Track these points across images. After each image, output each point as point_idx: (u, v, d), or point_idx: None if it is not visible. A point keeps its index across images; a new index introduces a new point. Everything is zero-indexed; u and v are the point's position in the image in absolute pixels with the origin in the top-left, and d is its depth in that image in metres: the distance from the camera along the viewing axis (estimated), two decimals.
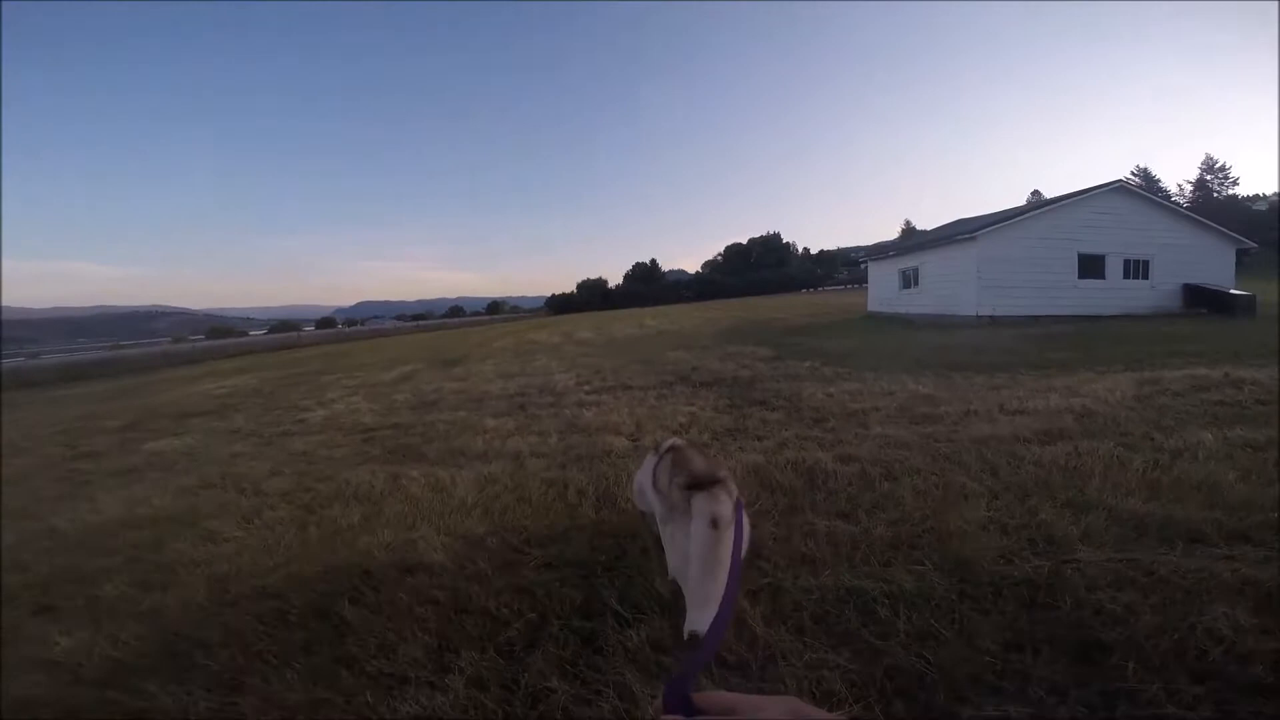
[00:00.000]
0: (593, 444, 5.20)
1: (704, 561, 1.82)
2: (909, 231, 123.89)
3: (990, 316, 15.15)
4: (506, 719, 2.01)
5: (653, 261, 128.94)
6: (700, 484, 2.00)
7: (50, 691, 2.43)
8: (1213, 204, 70.10)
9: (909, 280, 19.53)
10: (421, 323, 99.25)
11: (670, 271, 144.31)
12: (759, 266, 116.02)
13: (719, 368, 9.23)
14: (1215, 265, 16.46)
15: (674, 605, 2.46)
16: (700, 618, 1.77)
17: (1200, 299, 15.82)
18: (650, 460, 2.75)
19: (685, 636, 1.87)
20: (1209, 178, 77.35)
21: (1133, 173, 77.99)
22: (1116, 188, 16.17)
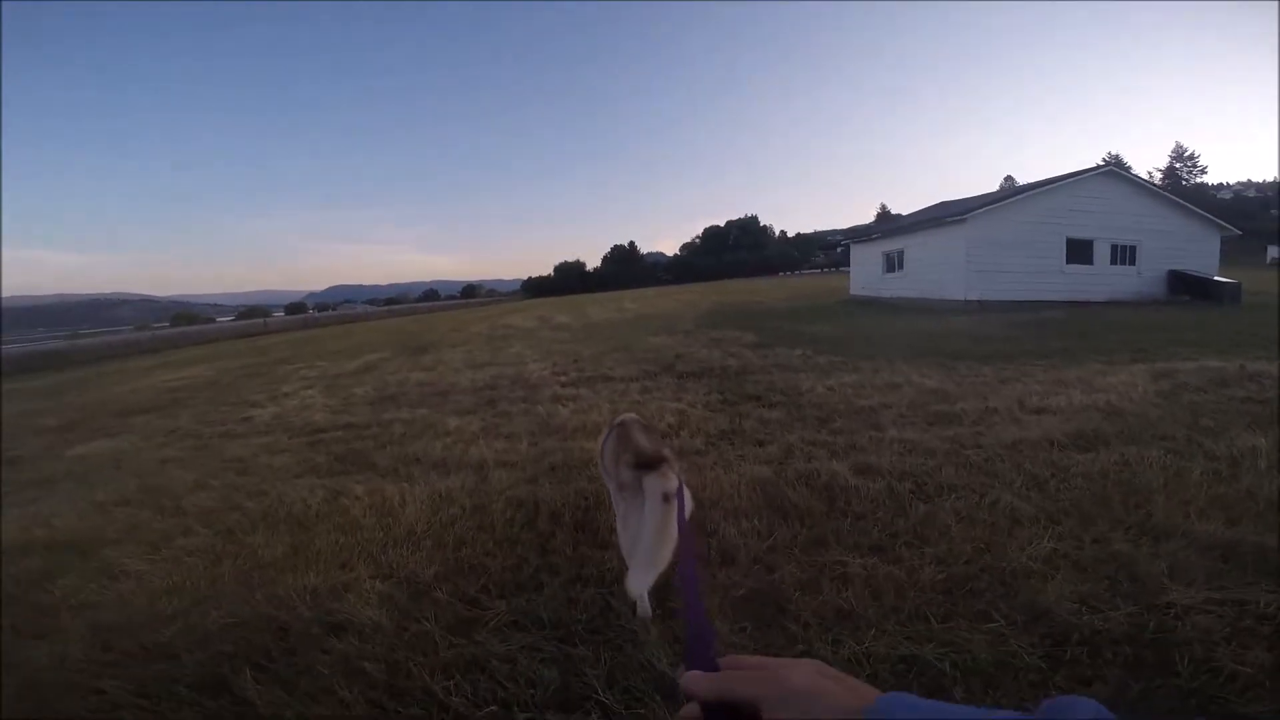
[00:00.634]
0: (569, 451, 4.53)
1: (658, 534, 1.90)
2: (885, 215, 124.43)
3: (979, 301, 14.79)
4: None
5: (631, 244, 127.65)
6: (649, 464, 2.08)
7: None
8: (1181, 192, 71.33)
9: (893, 264, 19.11)
10: (394, 307, 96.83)
11: (649, 253, 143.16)
12: (737, 249, 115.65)
13: (705, 355, 8.62)
14: (1200, 252, 16.35)
15: (675, 691, 1.85)
16: (640, 580, 1.85)
17: (1185, 286, 15.68)
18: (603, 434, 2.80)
19: (630, 601, 2.12)
20: (1179, 166, 78.64)
21: (1105, 159, 78.89)
22: (1106, 171, 15.91)
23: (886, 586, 2.40)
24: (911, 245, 17.90)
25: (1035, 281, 15.25)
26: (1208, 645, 1.97)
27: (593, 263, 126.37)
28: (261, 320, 62.22)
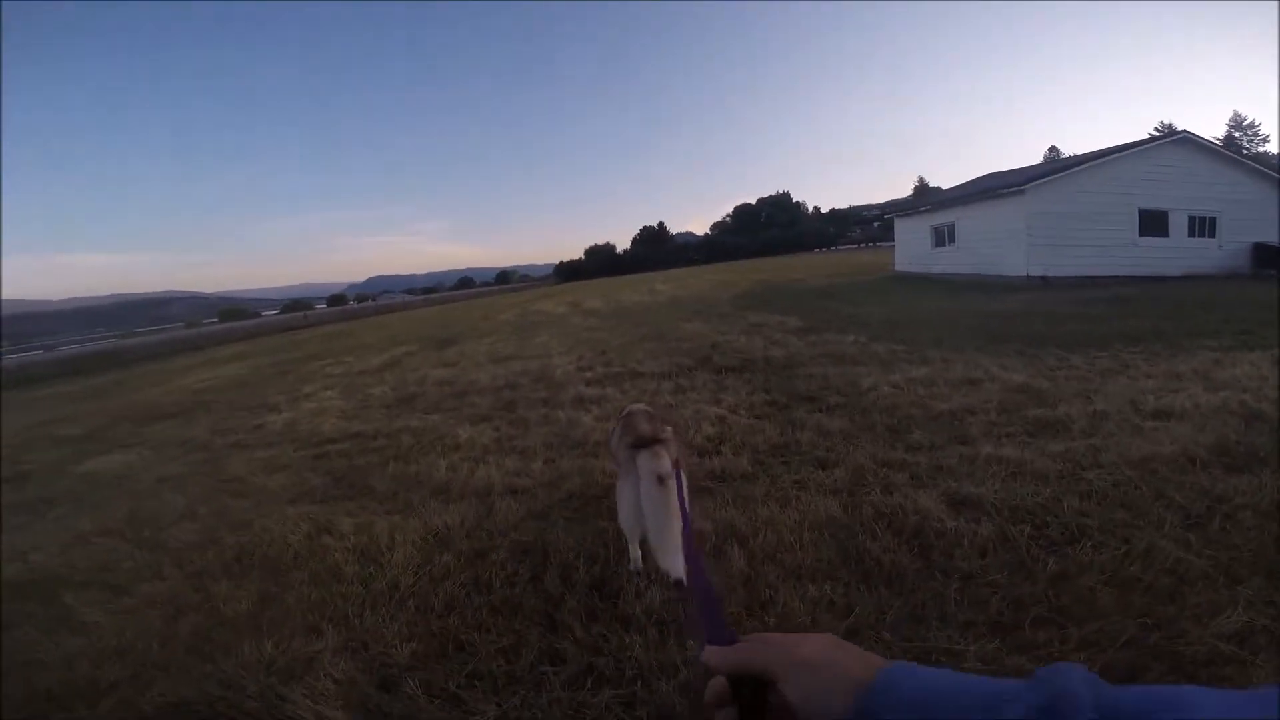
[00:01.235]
0: (588, 473, 3.86)
1: (657, 513, 2.02)
2: (922, 189, 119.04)
3: (1042, 278, 13.50)
4: None
5: (661, 225, 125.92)
6: (643, 443, 2.18)
7: None
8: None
9: (943, 237, 17.75)
10: (430, 296, 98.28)
11: (679, 234, 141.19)
12: (769, 226, 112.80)
13: (745, 344, 7.81)
14: None
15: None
16: (674, 562, 1.94)
17: (1273, 259, 14.06)
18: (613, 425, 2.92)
19: (672, 583, 2.15)
20: (1238, 135, 72.13)
21: (1156, 129, 72.81)
22: (1181, 139, 14.38)
23: None
24: (964, 218, 16.54)
25: (1105, 255, 13.87)
26: None
27: (623, 245, 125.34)
28: (303, 314, 64.00)
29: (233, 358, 20.80)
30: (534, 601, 2.48)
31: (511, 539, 3.10)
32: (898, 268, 20.66)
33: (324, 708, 2.01)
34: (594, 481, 3.70)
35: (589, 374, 7.11)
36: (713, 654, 0.48)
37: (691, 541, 0.68)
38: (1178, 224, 14.51)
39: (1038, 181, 13.68)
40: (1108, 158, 14.19)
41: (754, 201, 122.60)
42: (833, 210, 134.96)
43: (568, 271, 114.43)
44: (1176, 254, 14.39)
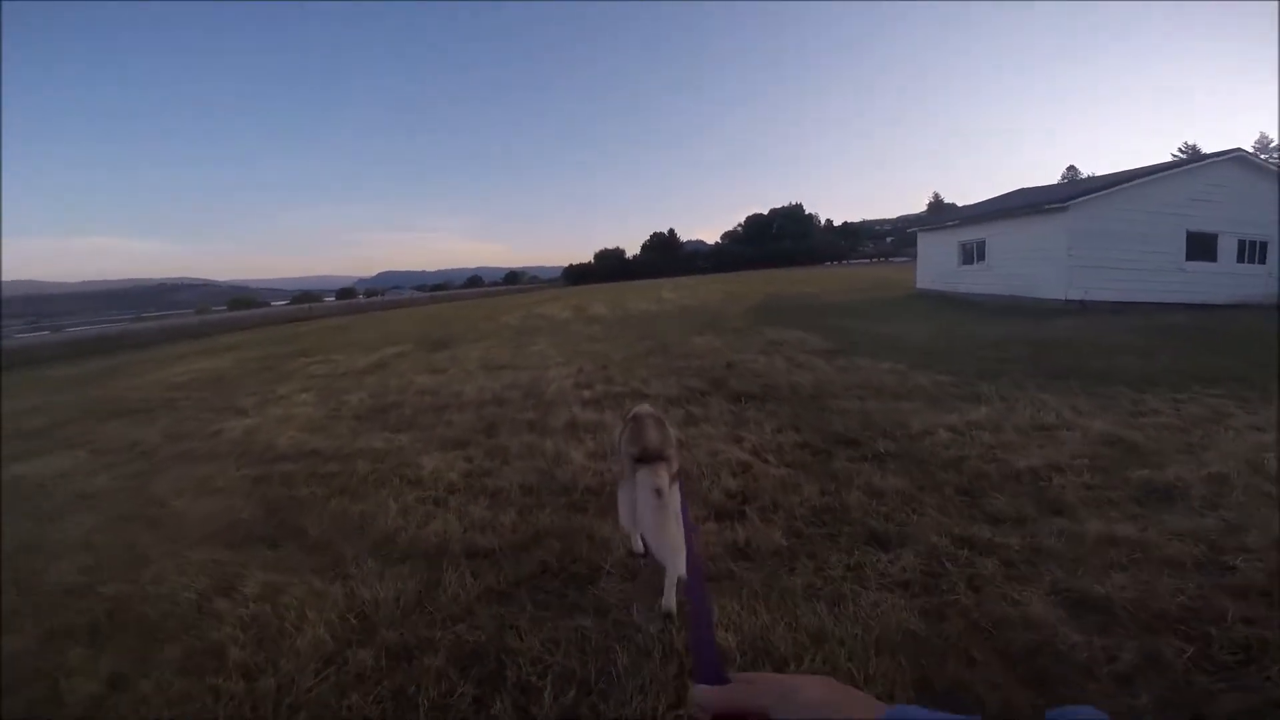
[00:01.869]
0: (572, 537, 3.01)
1: (656, 522, 2.11)
2: (937, 204, 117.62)
3: (1081, 301, 12.56)
4: None
5: (671, 231, 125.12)
6: (646, 458, 2.24)
7: None
8: None
9: (972, 255, 16.78)
10: (438, 293, 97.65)
11: (689, 242, 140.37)
12: (781, 238, 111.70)
13: (764, 367, 6.93)
14: None
15: None
16: (677, 561, 2.09)
17: None
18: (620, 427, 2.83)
19: (676, 581, 2.27)
20: (1264, 157, 70.07)
21: (1180, 149, 70.99)
22: (1234, 157, 13.42)
23: None
24: (996, 235, 15.57)
25: (1149, 279, 12.90)
26: None
27: (633, 250, 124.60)
28: (307, 306, 63.59)
29: (227, 348, 20.23)
30: None
31: (456, 635, 2.25)
32: (920, 285, 19.71)
33: None
34: (577, 552, 2.84)
35: (586, 393, 6.25)
36: (704, 694, 0.47)
37: (699, 582, 0.63)
38: (1227, 248, 13.55)
39: (1082, 198, 12.73)
40: (1156, 175, 13.28)
41: (766, 212, 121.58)
42: (845, 223, 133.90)
43: (576, 275, 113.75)
44: (1225, 280, 13.41)
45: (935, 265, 18.91)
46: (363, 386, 8.24)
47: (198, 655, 2.25)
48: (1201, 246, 13.46)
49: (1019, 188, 21.53)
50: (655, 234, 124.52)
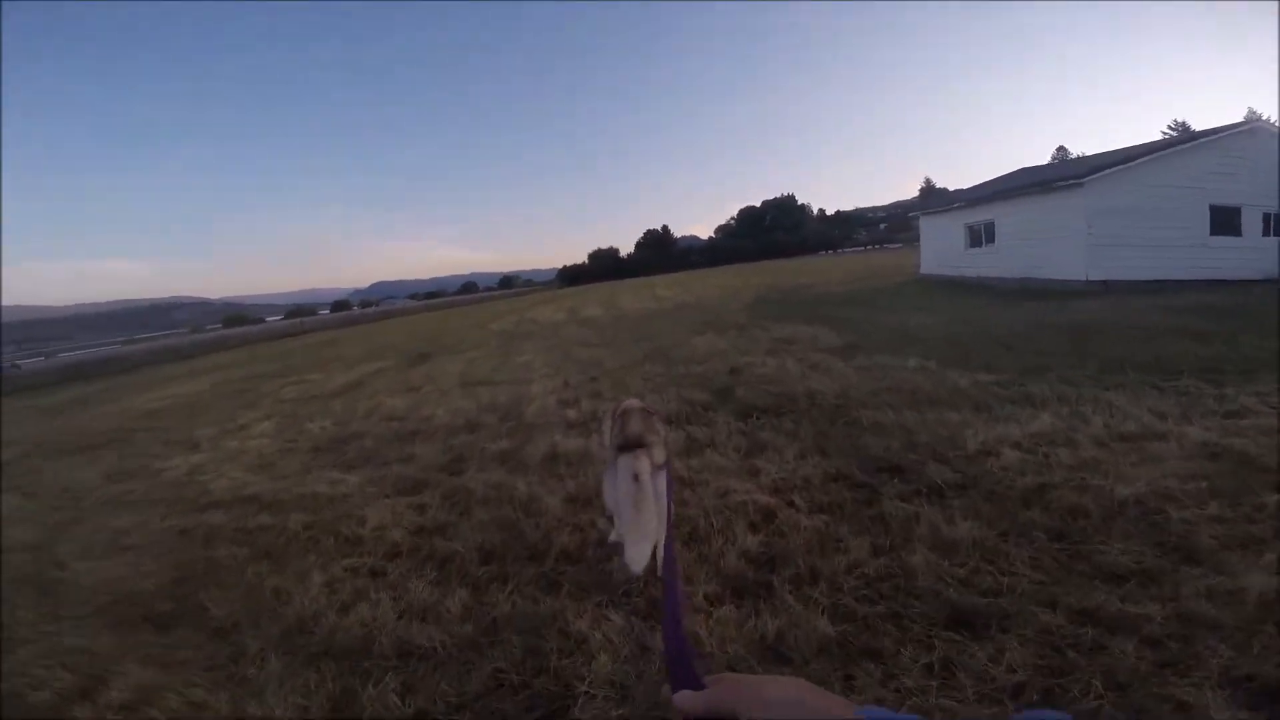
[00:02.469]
0: (540, 624, 2.23)
1: (631, 506, 2.16)
2: (929, 189, 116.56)
3: (1103, 282, 11.78)
4: None
5: (664, 228, 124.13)
6: (627, 446, 2.29)
7: None
8: None
9: (979, 237, 15.96)
10: (431, 301, 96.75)
11: (683, 237, 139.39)
12: (774, 229, 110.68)
13: (775, 371, 6.10)
14: None
15: None
16: (638, 552, 2.09)
17: None
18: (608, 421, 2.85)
19: (619, 563, 2.28)
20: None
21: (1170, 127, 69.94)
22: (1254, 127, 12.70)
23: None
24: (1005, 215, 14.73)
25: (1173, 257, 12.13)
26: None
27: (627, 248, 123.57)
28: (299, 320, 62.98)
29: (212, 369, 19.77)
30: None
31: None
32: (923, 270, 18.89)
33: None
34: (545, 659, 2.06)
35: (571, 412, 5.44)
36: (684, 698, 0.48)
37: (674, 583, 0.65)
38: (1251, 222, 12.79)
39: (1099, 174, 11.94)
40: (1176, 148, 12.56)
41: (758, 204, 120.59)
42: (837, 212, 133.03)
43: (571, 276, 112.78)
44: (1250, 255, 12.68)
45: (940, 249, 18.11)
46: (329, 412, 7.46)
47: None
48: (1225, 221, 12.70)
49: (1021, 168, 20.79)
50: (649, 231, 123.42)
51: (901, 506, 2.80)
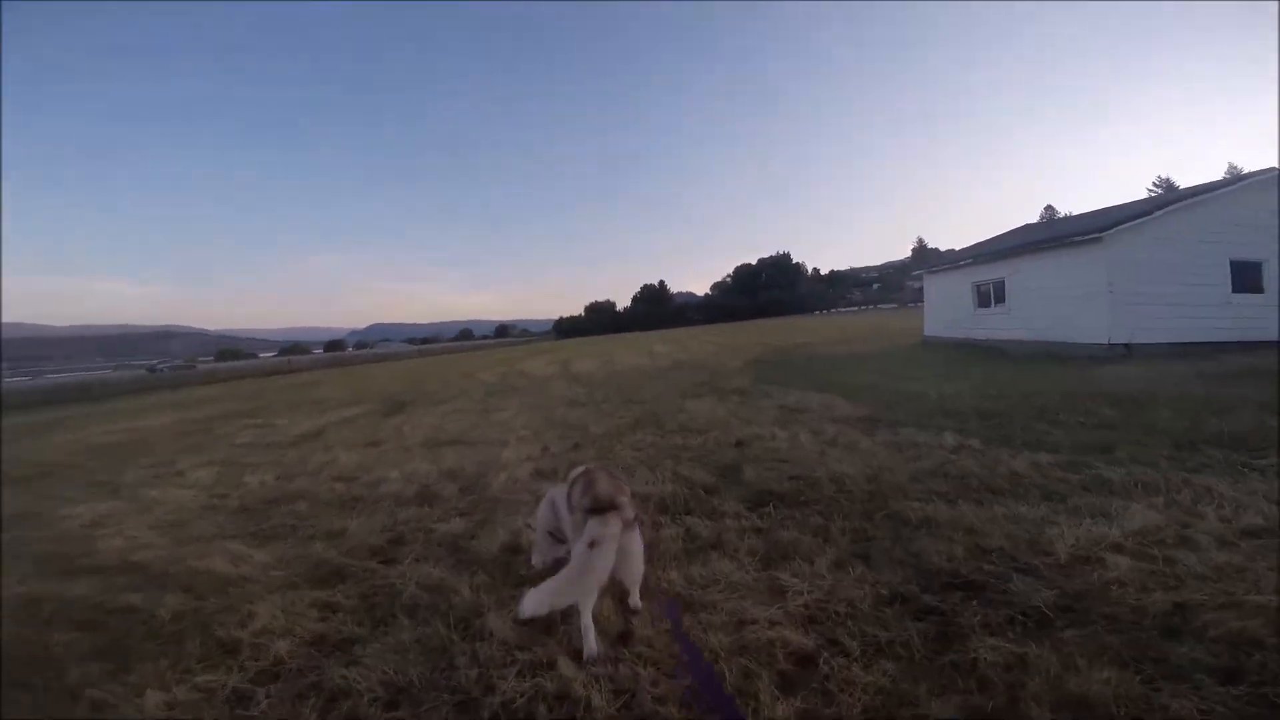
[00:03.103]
0: None
1: (576, 570, 2.07)
2: (921, 250, 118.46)
3: (1126, 345, 11.13)
4: None
5: (661, 283, 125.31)
6: (599, 508, 2.23)
7: None
8: None
9: (988, 297, 15.42)
10: (425, 347, 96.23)
11: (679, 294, 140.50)
12: (770, 288, 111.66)
13: (788, 446, 5.19)
14: None
15: None
16: (538, 601, 2.00)
17: None
18: (562, 488, 2.76)
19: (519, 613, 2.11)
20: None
21: (1155, 184, 71.80)
22: (1274, 177, 12.31)
23: None
24: (1015, 273, 14.19)
25: (1196, 317, 11.47)
26: None
27: (623, 302, 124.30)
28: (287, 360, 62.35)
29: (183, 403, 19.28)
30: None
31: None
32: (929, 332, 18.27)
33: None
34: None
35: (547, 486, 4.58)
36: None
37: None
38: (1271, 277, 12.22)
39: (1117, 227, 11.45)
40: (1196, 199, 12.06)
41: (754, 262, 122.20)
42: (831, 272, 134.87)
43: (567, 328, 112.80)
44: (1274, 314, 12.02)
45: (946, 310, 17.54)
46: (278, 464, 6.57)
47: None
48: (1247, 276, 12.11)
49: (1023, 224, 20.65)
50: (645, 286, 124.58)
51: (993, 645, 1.93)
